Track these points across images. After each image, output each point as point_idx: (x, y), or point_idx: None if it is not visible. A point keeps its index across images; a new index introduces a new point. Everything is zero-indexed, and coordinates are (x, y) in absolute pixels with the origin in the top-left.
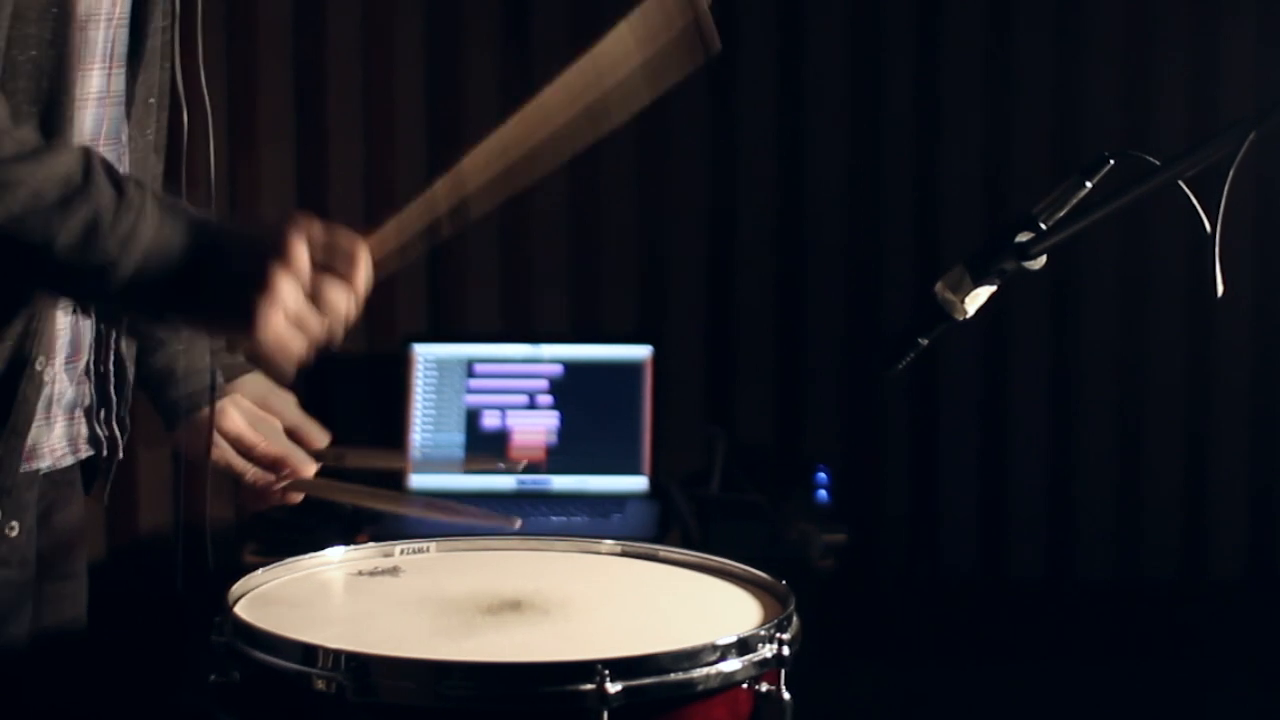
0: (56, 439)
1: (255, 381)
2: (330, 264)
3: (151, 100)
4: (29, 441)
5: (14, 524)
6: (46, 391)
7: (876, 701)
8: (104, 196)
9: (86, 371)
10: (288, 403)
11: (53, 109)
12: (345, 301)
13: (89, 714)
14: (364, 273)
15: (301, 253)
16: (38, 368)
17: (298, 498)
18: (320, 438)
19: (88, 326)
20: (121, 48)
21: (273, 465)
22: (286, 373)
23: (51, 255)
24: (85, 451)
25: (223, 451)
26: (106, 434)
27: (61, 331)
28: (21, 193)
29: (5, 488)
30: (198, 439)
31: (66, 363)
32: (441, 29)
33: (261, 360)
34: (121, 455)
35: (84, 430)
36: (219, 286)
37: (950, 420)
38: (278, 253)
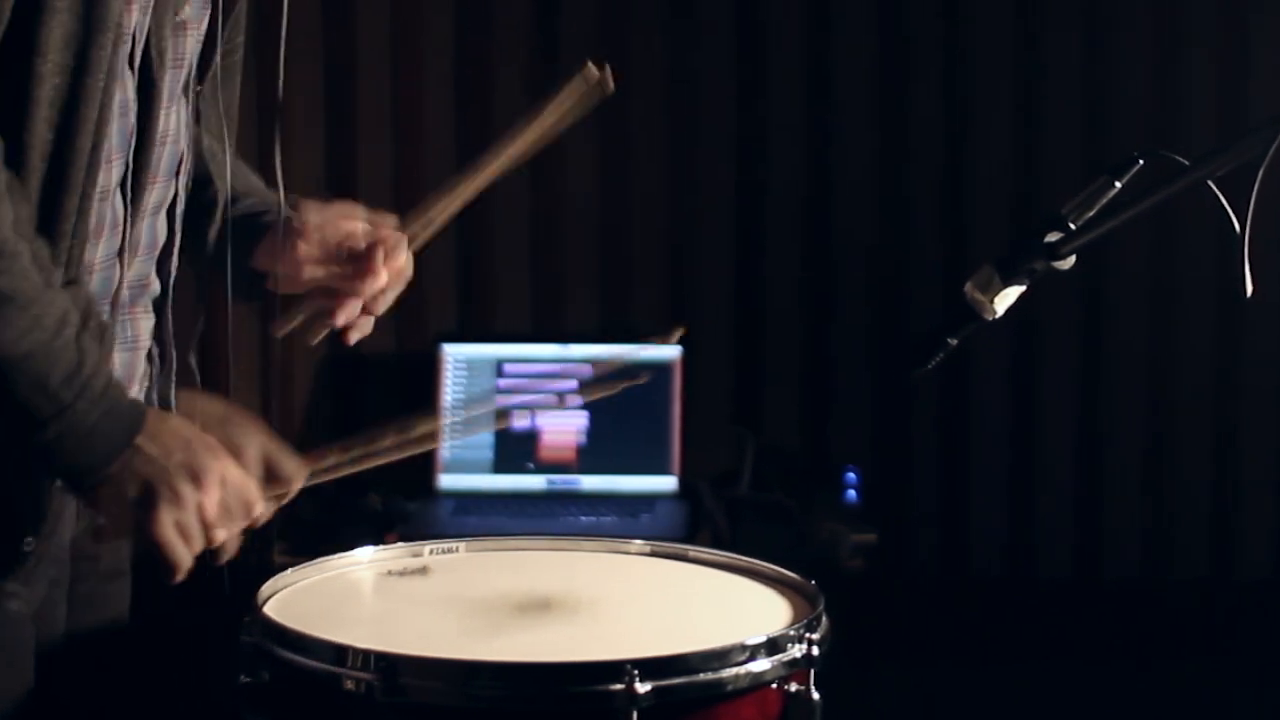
0: None
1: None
2: (267, 476)
3: (233, 112)
4: None
5: (30, 540)
6: None
7: (905, 701)
8: (66, 360)
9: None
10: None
11: (74, 131)
12: (231, 537)
13: (119, 713)
14: (291, 495)
15: (214, 489)
16: None
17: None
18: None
19: (140, 358)
20: (178, 85)
21: (367, 254)
22: (172, 570)
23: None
24: None
25: (313, 267)
26: None
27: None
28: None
29: (40, 512)
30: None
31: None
32: (470, 28)
33: (150, 551)
34: None
35: None
36: (131, 479)
37: (979, 421)
38: (197, 478)
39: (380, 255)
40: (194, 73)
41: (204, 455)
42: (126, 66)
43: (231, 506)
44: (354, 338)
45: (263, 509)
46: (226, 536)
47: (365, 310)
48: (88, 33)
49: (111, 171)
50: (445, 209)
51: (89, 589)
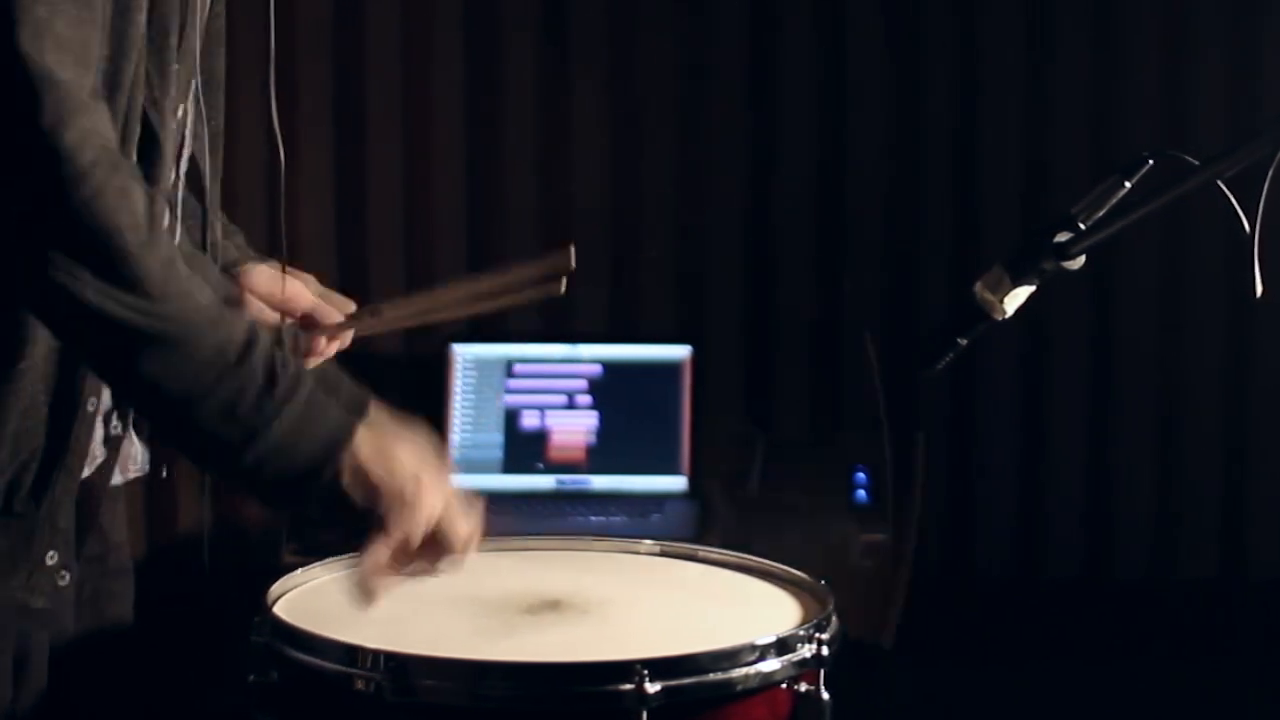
0: (96, 446)
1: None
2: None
3: (218, 78)
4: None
5: (53, 554)
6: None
7: (915, 701)
8: (254, 381)
9: None
10: (308, 281)
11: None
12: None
13: (129, 713)
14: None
15: (421, 522)
16: (89, 409)
17: (345, 341)
18: (346, 304)
19: None
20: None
21: (305, 319)
22: (368, 597)
23: (186, 416)
24: (134, 472)
25: (254, 309)
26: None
27: None
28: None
29: (59, 527)
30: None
31: None
32: (480, 28)
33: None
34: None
35: (135, 449)
36: (340, 510)
37: (988, 420)
38: (410, 511)
39: (321, 331)
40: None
41: (429, 489)
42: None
43: (439, 543)
44: None
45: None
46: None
47: None
48: (118, 47)
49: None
50: (397, 316)
51: (95, 588)
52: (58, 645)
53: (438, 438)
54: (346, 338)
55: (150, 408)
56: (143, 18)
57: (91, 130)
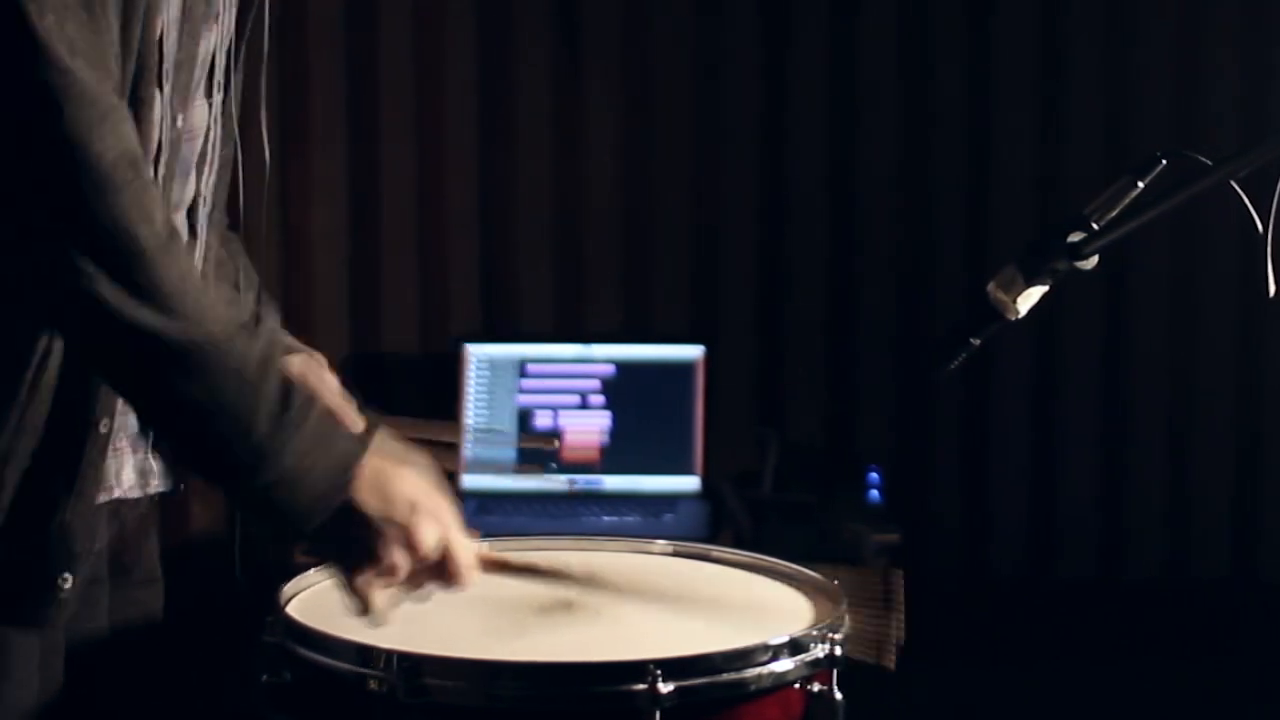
0: (128, 472)
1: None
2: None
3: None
4: (110, 471)
5: (66, 576)
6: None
7: (928, 701)
8: (269, 401)
9: None
10: (332, 384)
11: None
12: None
13: (145, 714)
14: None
15: (425, 553)
16: (102, 430)
17: None
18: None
19: None
20: (198, 84)
21: None
22: (361, 611)
23: (201, 431)
24: (156, 487)
25: None
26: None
27: None
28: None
29: (74, 552)
30: None
31: None
32: (493, 28)
33: (346, 593)
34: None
35: (155, 465)
36: (333, 538)
37: (1001, 420)
38: (404, 542)
39: None
40: (218, 74)
41: (426, 521)
42: (155, 82)
43: (441, 571)
44: None
45: (475, 575)
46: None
47: None
48: (124, 53)
49: None
50: None
51: (123, 595)
52: (83, 647)
53: (445, 456)
54: None
55: (163, 419)
56: (152, 33)
57: (116, 135)
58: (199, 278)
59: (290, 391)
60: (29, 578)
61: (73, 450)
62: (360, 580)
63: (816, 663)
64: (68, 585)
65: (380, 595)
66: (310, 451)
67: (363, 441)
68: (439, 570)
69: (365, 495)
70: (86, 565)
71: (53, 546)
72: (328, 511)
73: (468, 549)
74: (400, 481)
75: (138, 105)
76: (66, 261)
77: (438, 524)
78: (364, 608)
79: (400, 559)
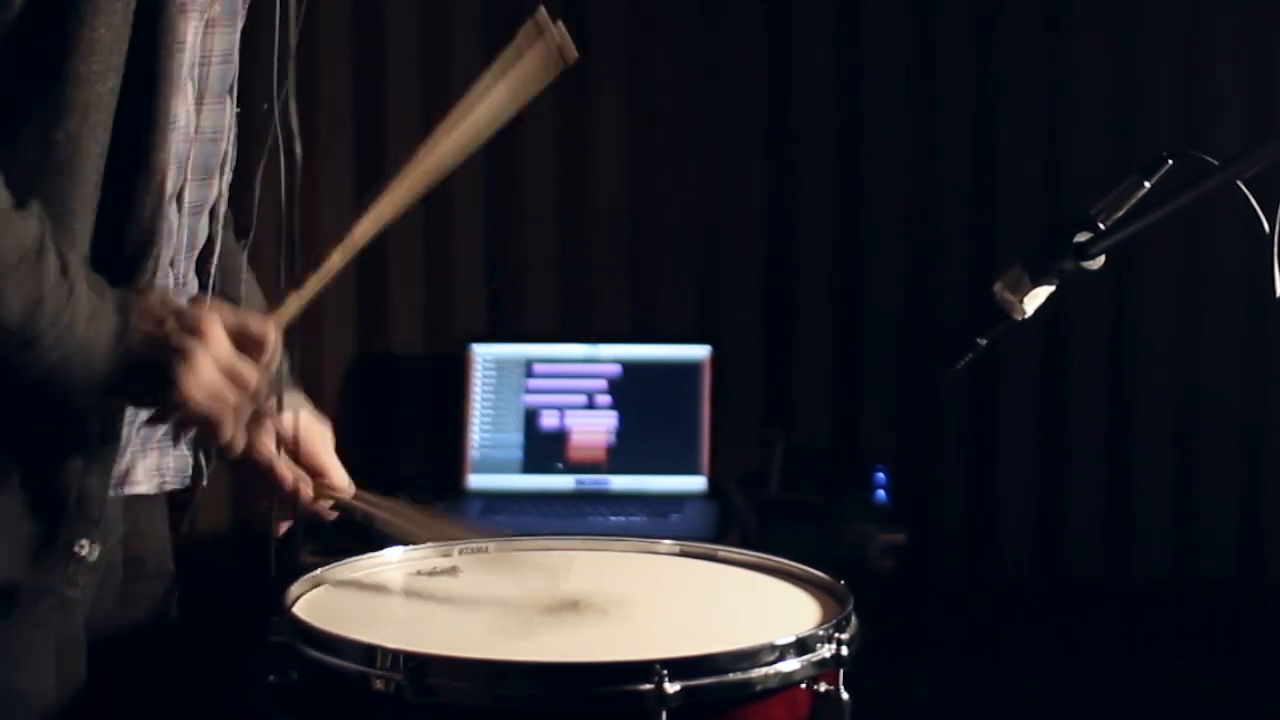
0: (149, 466)
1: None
2: (240, 346)
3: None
4: (123, 467)
5: (83, 543)
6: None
7: (935, 702)
8: (51, 276)
9: None
10: (326, 435)
11: (135, 139)
12: (255, 376)
13: (154, 712)
14: (273, 352)
15: (217, 330)
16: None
17: (330, 514)
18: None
19: None
20: (218, 83)
21: (315, 474)
22: (223, 434)
23: None
24: (172, 484)
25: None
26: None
27: None
28: None
29: (92, 518)
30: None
31: None
32: (499, 29)
33: (195, 425)
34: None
35: (171, 461)
36: (140, 367)
37: (1008, 421)
38: (195, 330)
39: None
40: (235, 73)
41: (194, 311)
42: (187, 78)
43: (246, 347)
44: None
45: (255, 371)
46: (256, 383)
47: None
48: (147, 45)
49: (167, 182)
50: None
51: (137, 589)
52: (96, 642)
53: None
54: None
55: None
56: (170, 35)
57: None
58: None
59: (66, 263)
60: (48, 543)
61: (88, 419)
62: (184, 392)
63: (823, 663)
64: (84, 552)
65: (214, 404)
66: (93, 311)
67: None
68: (248, 352)
69: (139, 323)
70: (104, 541)
71: (69, 515)
72: (116, 358)
73: (256, 319)
74: (160, 298)
75: (154, 107)
76: None
77: (205, 312)
78: (215, 425)
79: (190, 344)
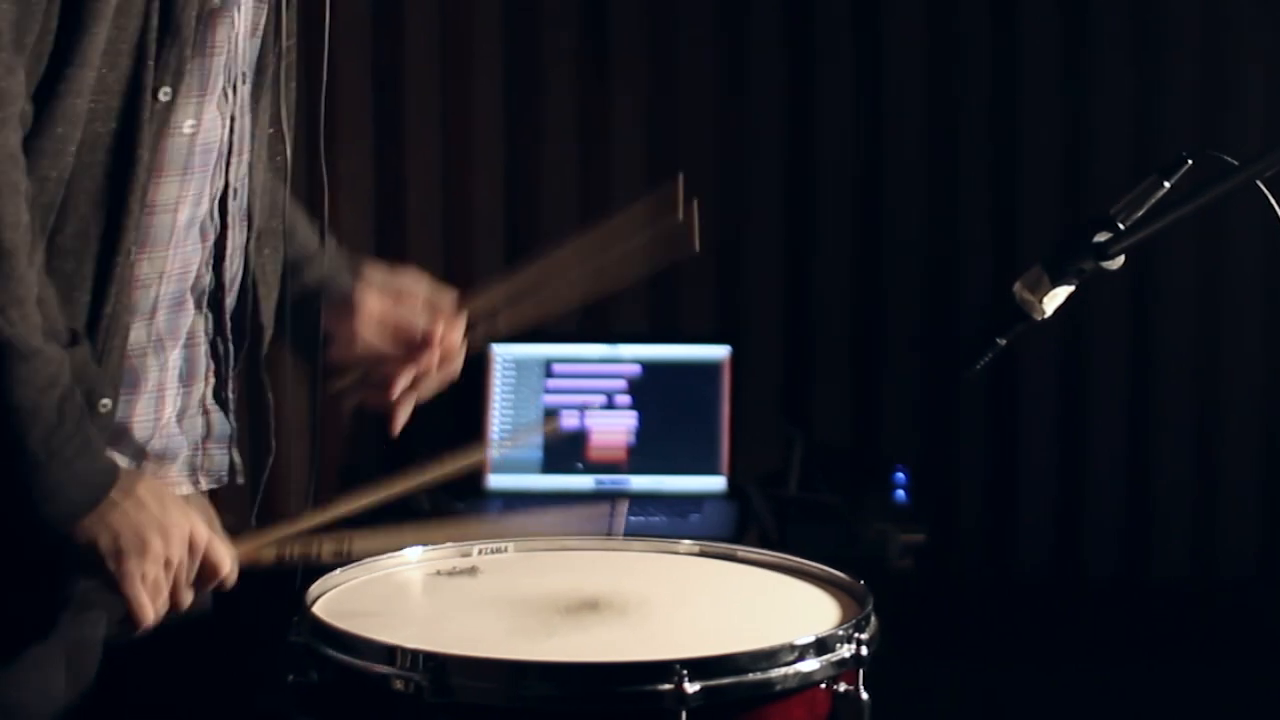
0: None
1: (378, 272)
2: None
3: (271, 130)
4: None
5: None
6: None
7: (954, 702)
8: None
9: (205, 401)
10: (417, 280)
11: (113, 216)
12: (187, 598)
13: (174, 712)
14: (221, 582)
15: (179, 544)
16: (102, 409)
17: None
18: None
19: (200, 354)
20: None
21: (422, 339)
22: (136, 623)
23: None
24: (206, 484)
25: (369, 339)
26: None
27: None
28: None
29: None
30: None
31: (183, 386)
32: (519, 29)
33: (121, 605)
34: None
35: (210, 462)
36: (94, 531)
37: (1028, 420)
38: (160, 531)
39: (435, 347)
40: (248, 72)
41: (174, 513)
42: (171, 79)
43: (199, 566)
44: (397, 426)
45: (231, 568)
46: (190, 595)
47: (412, 388)
48: (133, 48)
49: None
50: (506, 299)
51: None
52: (116, 644)
53: None
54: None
55: None
56: (177, 30)
57: None
58: (31, 287)
59: (64, 418)
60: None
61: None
62: (126, 577)
63: (842, 663)
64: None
65: (145, 597)
66: (70, 469)
67: (119, 467)
68: (200, 571)
69: (119, 497)
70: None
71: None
72: (82, 518)
73: (213, 537)
74: (149, 487)
75: (153, 102)
76: None
77: (184, 516)
78: (137, 612)
79: (154, 542)
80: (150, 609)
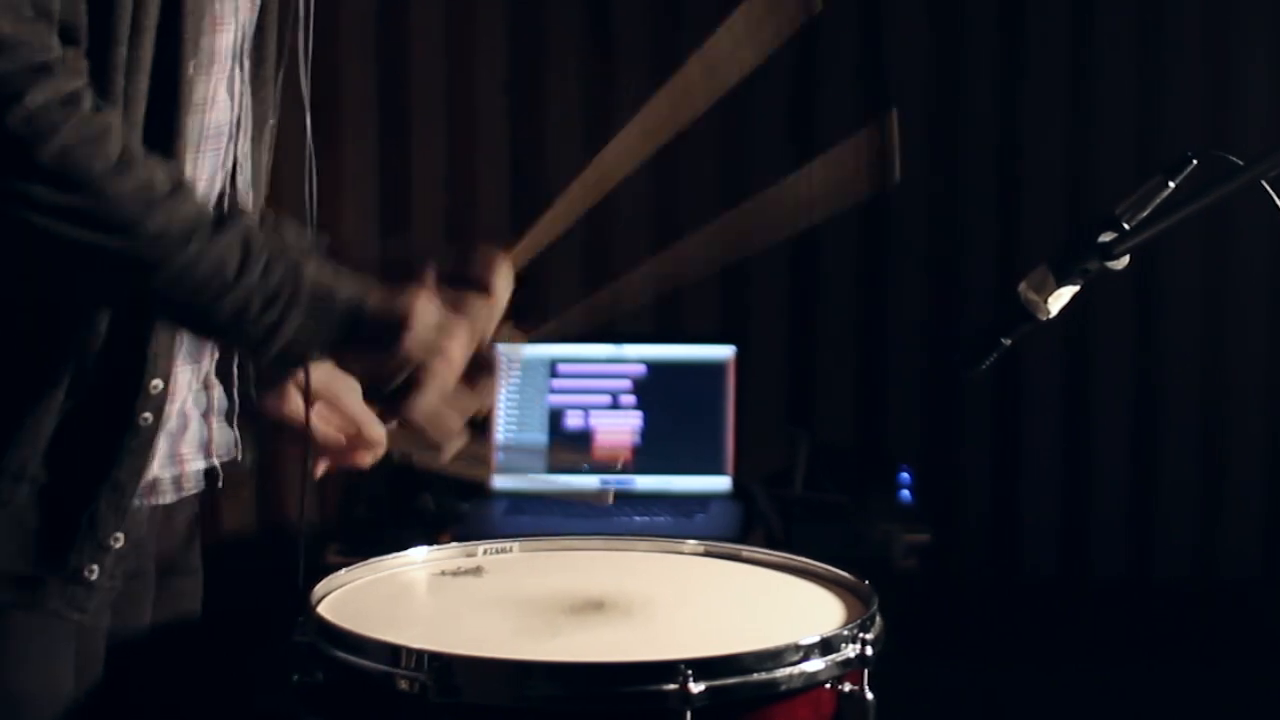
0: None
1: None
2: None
3: (271, 122)
4: (150, 476)
5: (119, 535)
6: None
7: (959, 702)
8: (253, 281)
9: (208, 377)
10: (354, 388)
11: (163, 113)
12: (484, 325)
13: (178, 712)
14: (502, 298)
15: (429, 331)
16: (143, 423)
17: (369, 460)
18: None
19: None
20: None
21: (349, 426)
22: (446, 440)
23: (202, 325)
24: (216, 459)
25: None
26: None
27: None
28: (187, 271)
29: (103, 545)
30: (288, 398)
31: (191, 361)
32: (523, 26)
33: (417, 428)
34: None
35: (217, 437)
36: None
37: (1032, 420)
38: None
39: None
40: (252, 49)
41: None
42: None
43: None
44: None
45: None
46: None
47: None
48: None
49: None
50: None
51: (167, 590)
52: (122, 643)
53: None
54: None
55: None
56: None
57: (50, 91)
58: (160, 186)
59: (275, 271)
60: (54, 566)
61: (112, 441)
62: (423, 403)
63: (847, 662)
64: (94, 577)
65: (446, 414)
66: (308, 315)
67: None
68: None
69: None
70: (120, 561)
71: (80, 537)
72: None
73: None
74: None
75: (167, 72)
76: (31, 221)
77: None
78: (443, 432)
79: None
80: (455, 423)
